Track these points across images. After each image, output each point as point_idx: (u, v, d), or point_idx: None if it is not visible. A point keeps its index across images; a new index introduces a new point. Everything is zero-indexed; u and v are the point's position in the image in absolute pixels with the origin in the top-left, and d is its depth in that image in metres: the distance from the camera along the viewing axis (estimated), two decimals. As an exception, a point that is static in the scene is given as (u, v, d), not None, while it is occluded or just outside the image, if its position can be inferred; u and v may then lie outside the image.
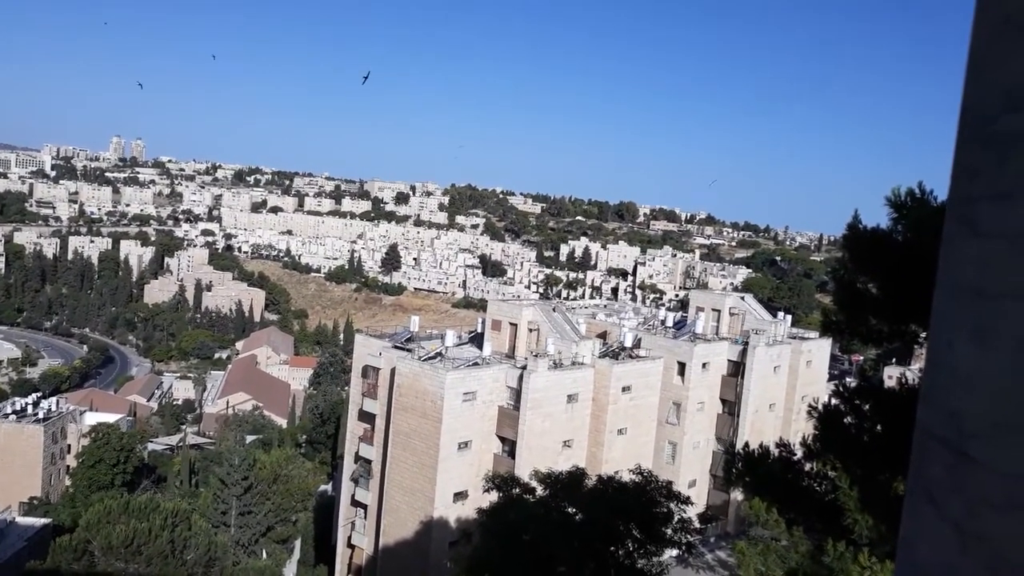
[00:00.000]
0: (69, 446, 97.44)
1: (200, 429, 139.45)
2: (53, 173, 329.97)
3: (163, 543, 46.55)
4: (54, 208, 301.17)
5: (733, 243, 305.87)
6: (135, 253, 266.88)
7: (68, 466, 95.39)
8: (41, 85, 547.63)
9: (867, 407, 12.84)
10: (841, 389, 13.66)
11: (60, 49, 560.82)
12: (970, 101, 1.08)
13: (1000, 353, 0.99)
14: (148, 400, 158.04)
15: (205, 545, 51.04)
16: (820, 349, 61.18)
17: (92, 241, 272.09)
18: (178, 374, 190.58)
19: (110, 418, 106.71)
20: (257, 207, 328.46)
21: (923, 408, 1.12)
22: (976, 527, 1.00)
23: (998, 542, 0.97)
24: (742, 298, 64.04)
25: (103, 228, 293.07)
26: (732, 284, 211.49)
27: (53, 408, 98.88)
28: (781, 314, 64.92)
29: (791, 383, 57.72)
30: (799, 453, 14.37)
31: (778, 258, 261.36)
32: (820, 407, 13.42)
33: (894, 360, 77.30)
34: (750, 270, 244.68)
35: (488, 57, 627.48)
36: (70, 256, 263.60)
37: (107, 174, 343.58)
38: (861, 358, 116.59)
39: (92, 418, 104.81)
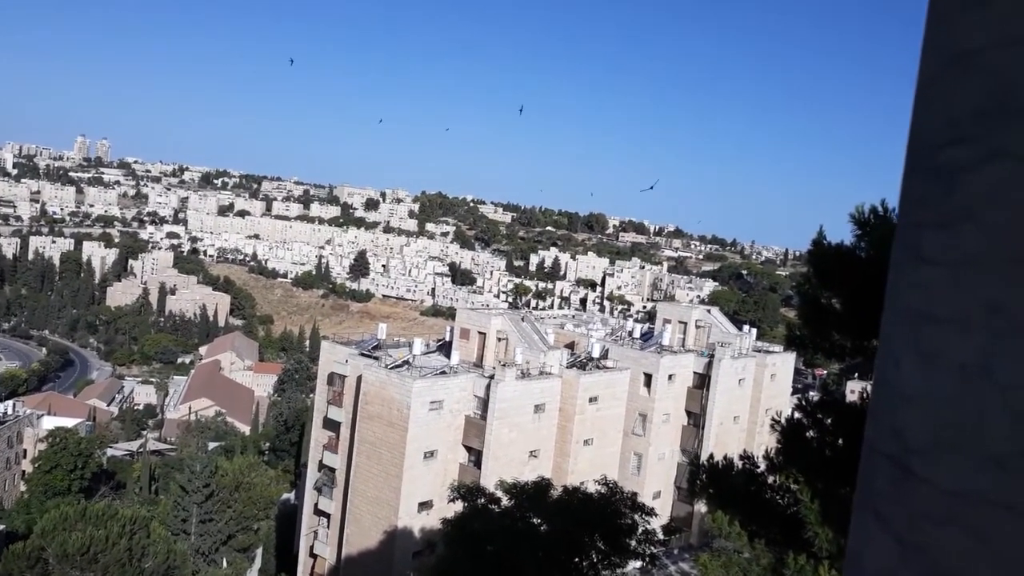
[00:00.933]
0: (25, 451, 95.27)
1: (161, 435, 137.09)
2: (15, 171, 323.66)
3: (120, 551, 45.71)
4: (15, 207, 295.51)
5: (700, 256, 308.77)
6: (98, 255, 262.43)
7: (23, 471, 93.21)
8: (3, 81, 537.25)
9: (829, 421, 13.01)
10: (804, 403, 13.82)
11: (24, 44, 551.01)
12: (917, 132, 1.13)
13: (942, 376, 1.03)
14: (108, 404, 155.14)
15: (164, 553, 50.23)
16: (784, 363, 61.92)
17: (54, 242, 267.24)
18: (140, 379, 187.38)
19: (68, 422, 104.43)
20: (224, 210, 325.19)
21: (870, 425, 1.17)
22: (916, 539, 1.05)
23: (935, 553, 1.02)
24: (708, 311, 64.68)
25: (65, 228, 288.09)
26: (699, 297, 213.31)
27: (9, 411, 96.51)
28: (746, 327, 65.71)
29: (755, 396, 58.31)
30: (762, 466, 14.51)
31: (744, 272, 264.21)
32: (783, 420, 13.57)
33: (857, 375, 78.39)
34: (717, 283, 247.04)
35: (459, 65, 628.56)
36: (30, 256, 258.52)
37: (71, 174, 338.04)
38: (824, 372, 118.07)
39: (50, 422, 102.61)
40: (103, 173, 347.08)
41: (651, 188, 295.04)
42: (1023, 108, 0.97)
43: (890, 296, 1.15)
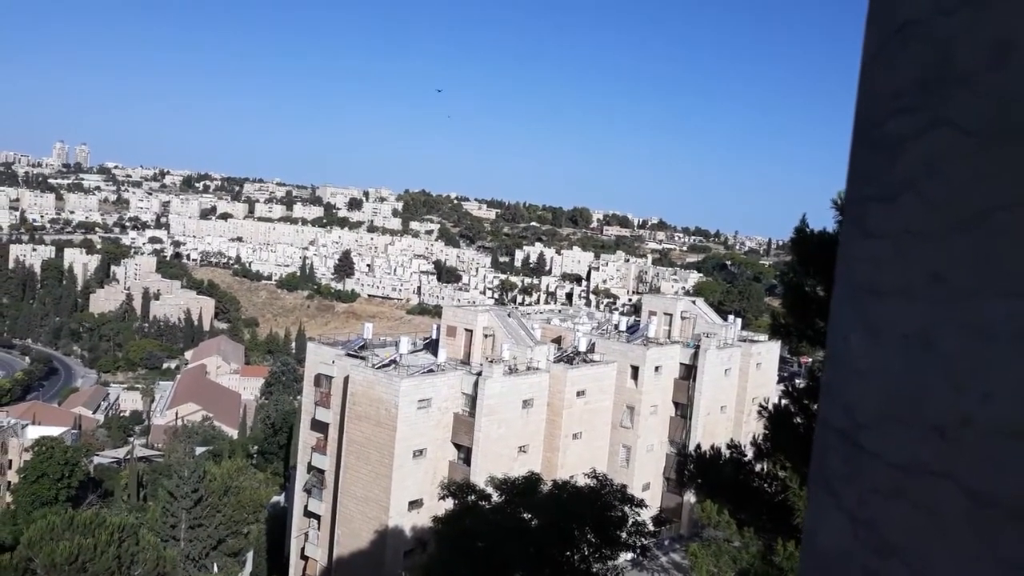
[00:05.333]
0: (10, 461, 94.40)
1: (148, 441, 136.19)
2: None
3: (109, 559, 45.34)
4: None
5: (684, 248, 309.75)
6: (80, 261, 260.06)
7: (9, 482, 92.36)
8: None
9: (815, 407, 13.04)
10: (790, 390, 13.86)
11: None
12: (863, 105, 1.12)
13: (888, 348, 1.03)
14: (94, 412, 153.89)
15: (153, 560, 49.86)
16: (770, 351, 62.19)
17: (34, 249, 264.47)
18: (125, 385, 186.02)
19: (54, 431, 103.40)
20: (206, 214, 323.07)
21: (823, 401, 1.16)
22: (866, 514, 1.05)
23: (883, 527, 1.02)
24: (693, 302, 64.86)
25: (46, 236, 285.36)
26: (683, 288, 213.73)
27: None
28: (731, 317, 65.89)
29: (742, 385, 58.54)
30: (750, 454, 14.54)
31: (728, 262, 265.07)
32: (770, 407, 13.60)
33: (842, 361, 78.84)
34: (701, 274, 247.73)
35: (441, 62, 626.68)
36: (11, 265, 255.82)
37: (50, 180, 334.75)
38: (810, 360, 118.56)
39: (35, 432, 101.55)
40: (83, 179, 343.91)
41: (439, 91, 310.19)
42: (961, 76, 0.96)
43: (839, 271, 1.15)
